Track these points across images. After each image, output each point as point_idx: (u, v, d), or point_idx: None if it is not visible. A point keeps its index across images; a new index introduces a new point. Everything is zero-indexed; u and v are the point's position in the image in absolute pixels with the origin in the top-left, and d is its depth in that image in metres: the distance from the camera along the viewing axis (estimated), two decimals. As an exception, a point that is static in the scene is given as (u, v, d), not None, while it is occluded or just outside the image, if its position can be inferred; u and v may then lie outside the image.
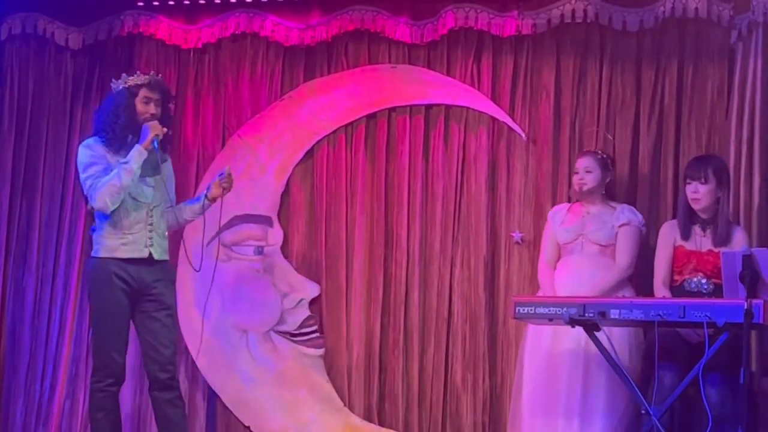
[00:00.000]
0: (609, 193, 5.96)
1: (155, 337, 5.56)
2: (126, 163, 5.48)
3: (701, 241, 5.60)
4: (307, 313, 6.56)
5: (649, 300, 5.32)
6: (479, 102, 6.41)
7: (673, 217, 5.82)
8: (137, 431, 6.63)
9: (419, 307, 6.40)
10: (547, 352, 5.72)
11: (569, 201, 6.01)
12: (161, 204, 5.66)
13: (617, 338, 5.43)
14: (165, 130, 5.58)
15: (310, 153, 6.67)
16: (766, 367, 5.51)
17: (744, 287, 4.93)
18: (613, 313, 5.09)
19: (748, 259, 4.96)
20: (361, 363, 6.44)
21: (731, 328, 4.90)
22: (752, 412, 5.23)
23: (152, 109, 5.61)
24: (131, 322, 5.62)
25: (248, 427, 6.55)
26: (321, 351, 6.52)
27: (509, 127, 6.36)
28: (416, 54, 6.55)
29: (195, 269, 5.86)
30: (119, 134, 5.58)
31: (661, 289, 5.59)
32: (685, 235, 5.62)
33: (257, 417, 6.54)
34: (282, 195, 6.67)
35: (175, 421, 5.57)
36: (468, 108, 6.44)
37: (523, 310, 5.26)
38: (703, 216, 5.61)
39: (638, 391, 5.18)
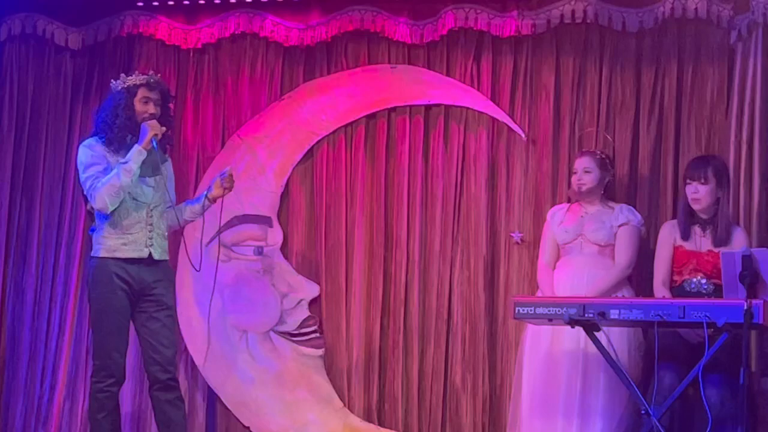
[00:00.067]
0: (608, 193, 5.96)
1: (155, 337, 5.56)
2: (125, 163, 5.48)
3: (701, 241, 5.60)
4: (307, 313, 6.56)
5: (648, 300, 5.32)
6: (479, 102, 6.41)
7: (673, 218, 5.83)
8: (137, 431, 6.63)
9: (419, 307, 6.40)
10: (546, 352, 5.72)
11: (569, 201, 6.01)
12: (161, 204, 5.66)
13: (617, 338, 5.42)
14: (164, 129, 5.57)
15: (309, 153, 6.67)
16: (766, 368, 5.51)
17: (744, 287, 4.94)
18: (613, 314, 5.09)
19: (747, 260, 4.96)
20: (361, 363, 6.44)
21: (731, 328, 4.91)
22: (752, 412, 5.23)
23: (151, 108, 5.61)
24: (131, 322, 5.62)
25: (248, 428, 6.55)
26: (321, 351, 6.52)
27: (509, 128, 6.36)
28: (416, 54, 6.55)
29: (195, 269, 5.86)
30: (118, 134, 5.58)
31: (660, 290, 5.59)
32: (685, 235, 5.62)
33: (257, 417, 6.54)
34: (282, 195, 6.67)
35: (175, 422, 5.56)
36: (468, 108, 6.44)
37: (523, 310, 5.26)
38: (703, 216, 5.61)
39: (638, 392, 5.18)
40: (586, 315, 5.13)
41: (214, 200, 5.75)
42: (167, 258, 5.71)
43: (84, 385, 6.63)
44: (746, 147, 5.80)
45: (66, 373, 6.75)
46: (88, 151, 5.60)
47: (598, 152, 5.98)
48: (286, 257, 6.63)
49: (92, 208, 5.59)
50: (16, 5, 6.97)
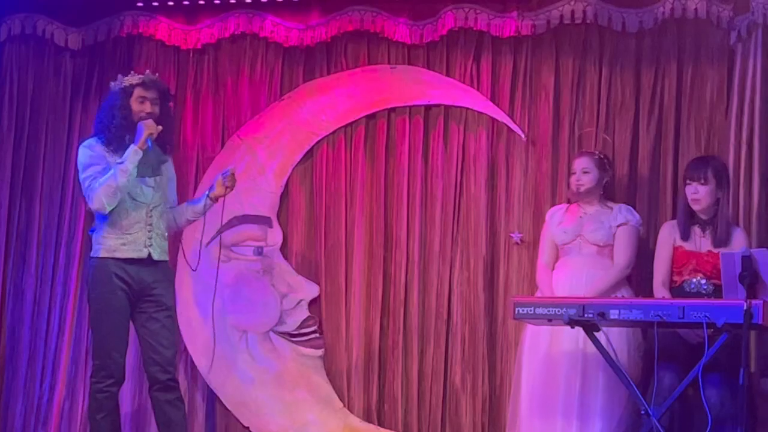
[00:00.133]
0: (606, 193, 5.96)
1: (155, 338, 5.56)
2: (121, 163, 5.48)
3: (701, 241, 5.60)
4: (307, 313, 6.56)
5: (648, 300, 5.33)
6: (479, 102, 6.41)
7: (673, 218, 5.83)
8: (137, 431, 6.62)
9: (418, 307, 6.40)
10: (546, 353, 5.72)
11: (568, 202, 6.01)
12: (161, 204, 5.65)
13: (616, 339, 5.42)
14: (160, 128, 5.56)
15: (309, 153, 6.67)
16: (766, 368, 5.52)
17: (743, 288, 4.93)
18: (613, 314, 5.09)
19: (747, 260, 4.96)
20: (361, 363, 6.44)
21: (731, 328, 4.91)
22: (751, 412, 5.23)
23: (148, 108, 5.60)
24: (131, 322, 5.62)
25: (247, 428, 6.55)
26: (320, 351, 6.52)
27: (509, 128, 6.36)
28: (416, 54, 6.55)
29: (192, 268, 5.86)
30: (115, 134, 5.58)
31: (660, 290, 5.59)
32: (685, 235, 5.62)
33: (256, 417, 6.54)
34: (281, 195, 6.67)
35: (175, 422, 5.56)
36: (467, 108, 6.44)
37: (523, 310, 5.27)
38: (703, 217, 5.61)
39: (638, 392, 5.18)
40: (585, 315, 5.13)
41: (216, 199, 5.74)
42: (167, 258, 5.71)
43: (83, 386, 6.63)
44: (746, 147, 5.80)
45: (65, 374, 6.75)
46: (88, 152, 5.60)
47: (597, 153, 5.98)
48: (285, 257, 6.63)
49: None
50: (16, 5, 6.97)
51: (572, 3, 6.22)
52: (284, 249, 6.65)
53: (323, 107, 6.63)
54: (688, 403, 5.38)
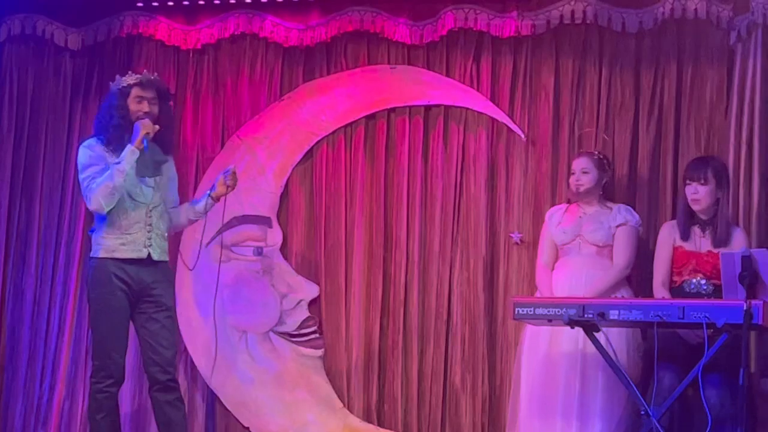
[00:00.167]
0: (606, 193, 5.96)
1: (155, 338, 5.55)
2: (118, 163, 5.48)
3: (701, 242, 5.60)
4: (307, 313, 6.56)
5: (648, 301, 5.33)
6: (478, 103, 6.41)
7: (673, 218, 5.83)
8: (137, 431, 6.62)
9: (418, 307, 6.40)
10: (545, 353, 5.72)
11: (568, 202, 6.01)
12: (161, 204, 5.65)
13: (615, 339, 5.42)
14: (156, 127, 5.55)
15: (309, 154, 6.67)
16: (766, 368, 5.51)
17: (743, 288, 4.93)
18: (613, 314, 5.09)
19: (747, 260, 4.96)
20: (361, 364, 6.44)
21: (730, 329, 4.91)
22: (751, 413, 5.23)
23: (145, 107, 5.59)
24: (131, 323, 5.62)
25: (247, 428, 6.55)
26: (320, 352, 6.52)
27: (508, 128, 6.36)
28: (415, 55, 6.55)
29: (189, 268, 5.86)
30: (113, 134, 5.58)
31: (660, 290, 5.59)
32: (685, 235, 5.62)
33: (256, 417, 6.54)
34: (281, 196, 6.67)
35: (175, 422, 5.55)
36: (467, 109, 6.44)
37: (523, 310, 5.27)
38: (703, 217, 5.61)
39: (637, 392, 5.18)
40: (585, 316, 5.12)
41: (218, 199, 5.73)
42: (167, 259, 5.70)
43: (83, 386, 6.63)
44: (746, 147, 5.80)
45: (65, 374, 6.75)
46: (87, 152, 5.60)
47: (596, 153, 5.98)
48: (285, 258, 6.63)
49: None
50: (16, 5, 6.97)
51: (572, 3, 6.22)
52: (284, 249, 6.65)
53: (323, 107, 6.63)
54: (687, 404, 5.38)
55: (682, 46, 6.16)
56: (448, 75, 6.48)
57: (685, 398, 5.32)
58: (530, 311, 5.25)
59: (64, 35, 6.94)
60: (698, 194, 5.56)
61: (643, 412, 5.11)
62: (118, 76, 5.71)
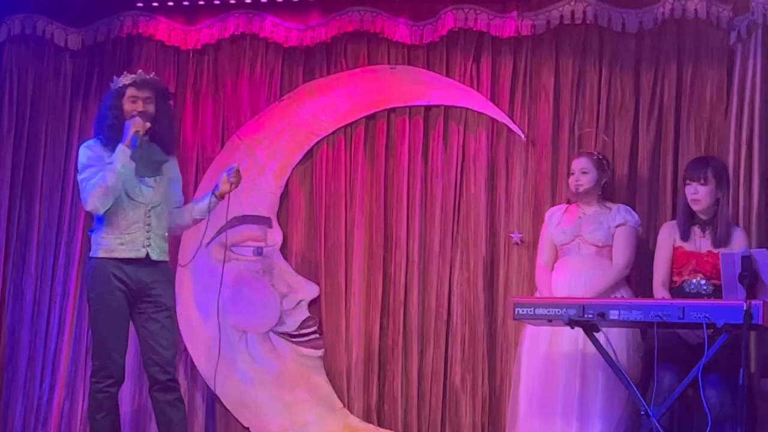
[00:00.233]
0: (605, 193, 5.96)
1: (155, 338, 5.55)
2: (110, 163, 5.48)
3: (701, 242, 5.60)
4: (307, 314, 6.56)
5: (648, 301, 5.33)
6: (478, 103, 6.41)
7: (673, 218, 5.83)
8: (137, 431, 6.62)
9: (418, 307, 6.40)
10: (545, 353, 5.72)
11: (568, 203, 6.01)
12: (161, 204, 5.64)
13: (615, 339, 5.42)
14: (147, 125, 5.53)
15: (309, 154, 6.67)
16: (766, 369, 5.51)
17: (743, 288, 4.93)
18: (613, 314, 5.09)
19: (747, 261, 4.96)
20: (361, 364, 6.44)
21: (730, 329, 4.90)
22: (751, 413, 5.23)
23: (139, 107, 5.58)
24: (131, 323, 5.61)
25: (247, 428, 6.55)
26: (320, 352, 6.52)
27: (508, 128, 6.36)
28: (415, 55, 6.55)
29: (180, 264, 5.84)
30: (108, 135, 5.58)
31: (660, 290, 5.59)
32: (685, 236, 5.62)
33: (256, 417, 6.54)
34: (281, 196, 6.67)
35: (175, 422, 5.55)
36: (467, 109, 6.44)
37: (523, 311, 5.27)
38: (703, 217, 5.61)
39: (637, 392, 5.18)
40: (585, 316, 5.12)
41: (222, 197, 5.71)
42: (167, 259, 5.69)
43: (83, 386, 6.63)
44: (746, 148, 5.80)
45: (65, 374, 6.75)
46: (86, 153, 5.61)
47: (595, 153, 5.99)
48: (285, 258, 6.63)
49: (91, 209, 5.61)
50: (16, 6, 6.97)
51: (572, 3, 6.22)
52: (284, 249, 6.65)
53: (323, 108, 6.63)
54: (687, 404, 5.38)
55: (682, 46, 6.16)
56: (448, 75, 6.48)
57: (685, 398, 5.32)
58: (530, 311, 5.25)
59: (64, 35, 6.94)
60: (698, 194, 5.56)
61: (643, 413, 5.11)
62: (115, 77, 5.71)
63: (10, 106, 6.99)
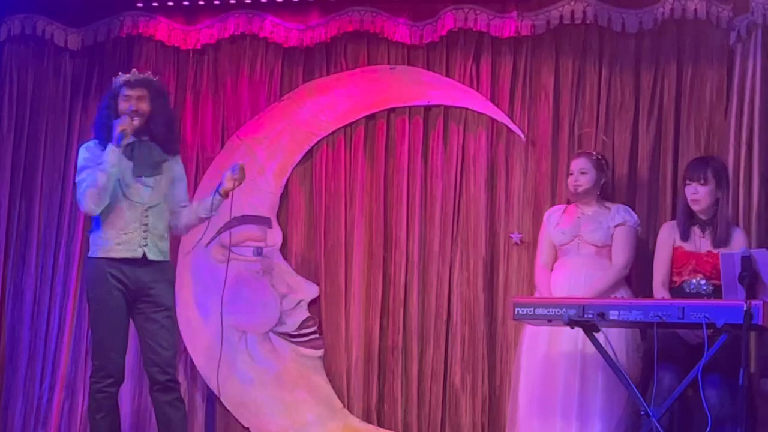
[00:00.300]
0: (604, 193, 5.96)
1: (154, 338, 5.54)
2: (101, 164, 5.48)
3: (700, 242, 5.60)
4: (306, 314, 6.56)
5: (648, 301, 5.33)
6: (478, 103, 6.41)
7: (673, 218, 5.83)
8: (137, 431, 6.62)
9: (418, 308, 6.40)
10: (544, 353, 5.72)
11: (568, 203, 6.01)
12: (160, 204, 5.61)
13: (615, 339, 5.42)
14: (135, 124, 5.51)
15: (309, 154, 6.67)
16: (766, 369, 5.51)
17: (743, 288, 4.93)
18: (613, 314, 5.09)
19: (747, 261, 4.96)
20: (360, 364, 6.44)
21: (730, 329, 4.90)
22: (751, 413, 5.23)
23: (132, 105, 5.57)
24: (133, 323, 5.61)
25: (247, 428, 6.55)
26: (320, 352, 6.52)
27: (508, 128, 6.36)
28: (415, 55, 6.54)
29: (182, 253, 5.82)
30: (104, 135, 5.57)
31: (660, 290, 5.59)
32: (685, 236, 5.62)
33: (256, 418, 6.54)
34: (281, 196, 6.67)
35: (175, 423, 5.54)
36: (467, 109, 6.44)
37: (523, 311, 5.26)
38: (703, 217, 5.61)
39: (637, 393, 5.18)
40: (585, 316, 5.12)
41: (226, 195, 5.68)
42: (166, 258, 5.65)
43: (83, 386, 6.63)
44: (745, 148, 5.80)
45: (65, 374, 6.75)
46: (83, 154, 5.61)
47: (594, 153, 5.99)
48: (285, 258, 6.63)
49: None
50: (16, 6, 6.97)
51: (572, 3, 6.22)
52: (284, 249, 6.64)
53: (323, 108, 6.63)
54: (687, 404, 5.38)
55: (681, 46, 6.16)
56: (447, 75, 6.48)
57: (685, 398, 5.32)
58: (530, 311, 5.25)
59: (64, 35, 6.94)
60: (698, 194, 5.56)
61: (643, 413, 5.11)
62: (114, 78, 5.71)
63: (10, 106, 6.99)
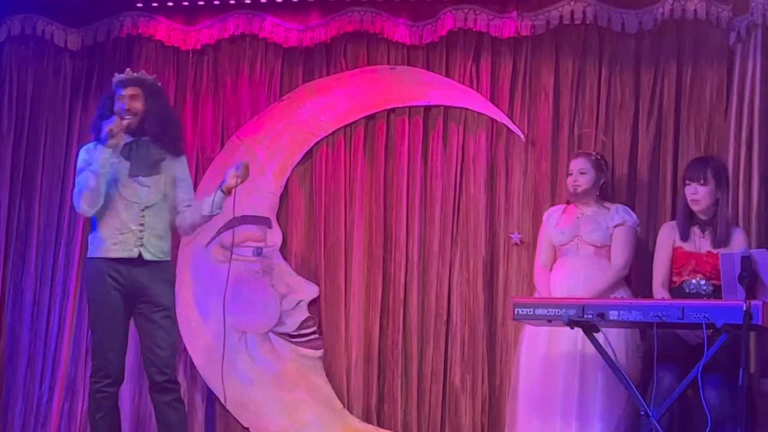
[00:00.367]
0: (603, 194, 5.96)
1: (152, 339, 5.52)
2: (90, 165, 5.48)
3: (700, 242, 5.60)
4: (306, 314, 6.56)
5: (648, 301, 5.32)
6: (478, 103, 6.41)
7: (672, 219, 5.83)
8: (137, 431, 6.62)
9: (418, 308, 6.40)
10: (544, 354, 5.72)
11: (567, 203, 6.01)
12: (158, 204, 5.58)
13: (614, 340, 5.42)
14: (124, 124, 5.48)
15: (309, 154, 6.67)
16: (765, 369, 5.51)
17: (743, 289, 4.93)
18: (612, 315, 5.08)
19: (746, 261, 4.96)
20: (360, 364, 6.44)
21: (730, 329, 4.90)
22: (751, 413, 5.22)
23: (126, 105, 5.57)
24: (134, 323, 5.60)
25: (247, 429, 6.55)
26: (320, 352, 6.52)
27: (508, 129, 6.36)
28: (415, 55, 6.55)
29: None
30: (98, 136, 5.57)
31: (660, 291, 5.59)
32: (685, 236, 5.62)
33: (256, 418, 6.54)
34: (281, 196, 6.67)
35: (174, 423, 5.53)
36: (467, 109, 6.44)
37: (522, 311, 5.26)
38: (703, 217, 5.61)
39: (637, 393, 5.18)
40: (585, 316, 5.12)
41: (229, 192, 5.63)
42: (165, 258, 5.60)
43: (83, 386, 6.63)
44: (745, 148, 5.80)
45: (65, 374, 6.75)
46: (82, 156, 5.61)
47: (594, 153, 5.99)
48: (285, 258, 6.63)
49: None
50: (16, 6, 6.97)
51: (572, 3, 6.22)
52: (284, 250, 6.65)
53: (323, 108, 6.63)
54: (687, 404, 5.38)
55: (681, 46, 6.17)
56: (447, 75, 6.48)
57: (684, 399, 5.32)
58: (530, 312, 5.24)
59: (64, 36, 6.94)
60: (698, 194, 5.56)
61: (642, 413, 5.10)
62: (112, 79, 5.71)
63: (10, 107, 6.99)
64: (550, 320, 5.23)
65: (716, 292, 5.39)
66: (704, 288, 5.51)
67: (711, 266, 5.48)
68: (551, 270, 5.89)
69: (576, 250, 5.84)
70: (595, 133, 6.21)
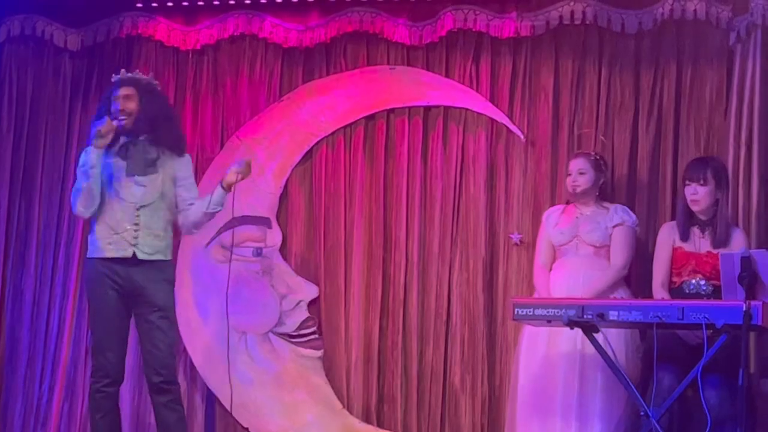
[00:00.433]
0: (602, 194, 5.96)
1: (149, 339, 5.49)
2: (82, 166, 5.48)
3: (700, 242, 5.60)
4: (306, 314, 6.56)
5: (647, 301, 5.32)
6: (478, 103, 6.41)
7: (672, 219, 5.83)
8: (137, 431, 6.62)
9: (418, 308, 6.40)
10: (543, 354, 5.72)
11: (567, 203, 6.01)
12: (155, 203, 5.55)
13: (614, 340, 5.42)
14: (114, 125, 5.46)
15: (308, 154, 6.67)
16: (765, 369, 5.51)
17: (742, 289, 4.93)
18: (612, 315, 5.08)
19: (746, 261, 4.96)
20: (360, 364, 6.44)
21: (730, 329, 4.90)
22: (751, 413, 5.22)
23: (120, 105, 5.56)
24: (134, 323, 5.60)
25: (247, 429, 6.55)
26: (320, 352, 6.52)
27: (508, 129, 6.36)
28: (415, 55, 6.55)
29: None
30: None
31: (659, 291, 5.59)
32: (684, 236, 5.62)
33: (256, 418, 6.54)
34: (281, 196, 6.67)
35: (172, 425, 5.50)
36: (467, 109, 6.44)
37: (522, 311, 5.26)
38: (702, 217, 5.61)
39: (637, 393, 5.18)
40: (585, 316, 5.12)
41: (229, 188, 5.62)
42: (163, 258, 5.57)
43: (83, 386, 6.63)
44: (745, 148, 5.80)
45: (65, 374, 6.75)
46: (82, 158, 5.60)
47: (593, 153, 5.99)
48: (285, 258, 6.63)
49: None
50: (16, 6, 6.97)
51: (571, 4, 6.22)
52: (283, 250, 6.64)
53: (322, 108, 6.63)
54: (687, 405, 5.38)
55: (681, 46, 6.17)
56: (447, 76, 6.48)
57: (684, 399, 5.32)
58: (530, 312, 5.24)
59: (64, 36, 6.94)
60: (697, 195, 5.56)
61: (642, 413, 5.10)
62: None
63: (10, 107, 6.99)
64: (549, 320, 5.23)
65: (716, 293, 5.39)
66: (704, 288, 5.51)
67: (711, 266, 5.48)
68: (551, 270, 5.89)
69: (575, 250, 5.84)
70: (595, 134, 6.21)
